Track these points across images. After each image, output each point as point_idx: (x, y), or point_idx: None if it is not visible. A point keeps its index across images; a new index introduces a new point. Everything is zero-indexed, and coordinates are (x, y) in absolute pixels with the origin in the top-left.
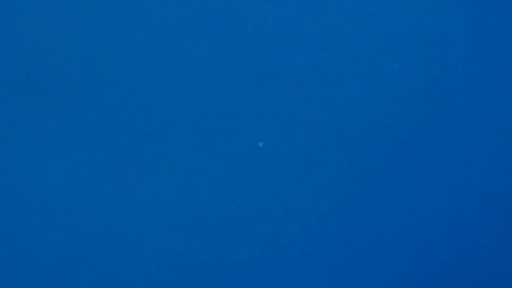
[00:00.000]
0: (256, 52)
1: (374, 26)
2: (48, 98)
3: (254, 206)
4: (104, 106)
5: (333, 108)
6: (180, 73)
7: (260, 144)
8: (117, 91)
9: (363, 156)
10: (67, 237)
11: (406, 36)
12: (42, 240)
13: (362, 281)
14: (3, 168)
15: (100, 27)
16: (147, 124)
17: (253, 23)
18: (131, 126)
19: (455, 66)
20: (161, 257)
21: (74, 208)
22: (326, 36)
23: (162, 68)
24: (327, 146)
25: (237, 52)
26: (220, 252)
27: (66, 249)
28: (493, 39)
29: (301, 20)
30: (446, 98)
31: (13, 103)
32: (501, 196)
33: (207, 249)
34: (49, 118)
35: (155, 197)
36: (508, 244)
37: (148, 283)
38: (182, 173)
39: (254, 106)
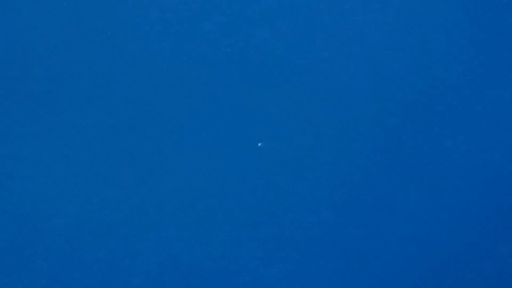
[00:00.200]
0: (256, 51)
1: (374, 26)
2: (46, 98)
3: (254, 205)
4: (104, 106)
5: (333, 108)
6: (179, 72)
7: (259, 144)
8: (117, 90)
9: (363, 156)
10: (62, 241)
11: (406, 36)
12: (36, 244)
13: (363, 282)
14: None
15: (99, 26)
16: (145, 123)
17: (253, 22)
18: (129, 125)
19: (455, 66)
20: (159, 257)
21: (73, 208)
22: (326, 35)
23: (161, 67)
24: (327, 146)
25: (237, 52)
26: (220, 252)
27: (64, 250)
28: (493, 39)
29: (300, 19)
30: (447, 98)
31: (9, 103)
32: (501, 196)
33: (207, 249)
34: (47, 118)
35: (153, 197)
36: (508, 244)
37: (148, 283)
38: (180, 173)
39: (254, 105)
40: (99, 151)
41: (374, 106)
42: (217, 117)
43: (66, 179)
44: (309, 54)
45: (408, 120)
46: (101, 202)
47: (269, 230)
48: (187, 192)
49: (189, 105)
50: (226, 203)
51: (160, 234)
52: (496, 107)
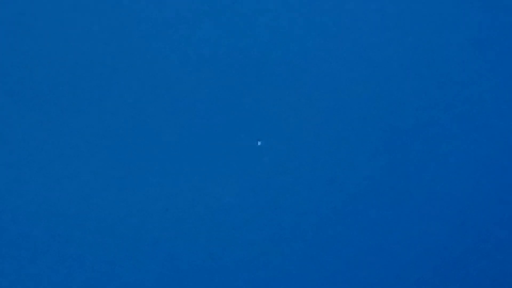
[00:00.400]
0: (255, 50)
1: (374, 26)
2: (46, 98)
3: (253, 205)
4: (104, 106)
5: (332, 107)
6: (179, 72)
7: (259, 143)
8: (116, 89)
9: (363, 155)
10: (62, 241)
11: (405, 35)
12: (36, 244)
13: (363, 282)
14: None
15: (99, 26)
16: (145, 122)
17: (253, 22)
18: (128, 123)
19: (455, 66)
20: (158, 257)
21: (73, 208)
22: (325, 34)
23: (160, 66)
24: (326, 145)
25: (236, 51)
26: (219, 251)
27: (62, 251)
28: (493, 39)
29: (299, 19)
30: (446, 98)
31: (8, 104)
32: (502, 197)
33: (206, 249)
34: (47, 118)
35: (151, 196)
36: (508, 244)
37: (147, 283)
38: (179, 172)
39: (253, 104)
40: (98, 151)
41: (373, 106)
42: (217, 116)
43: (66, 179)
44: (309, 53)
45: (407, 120)
46: (101, 202)
47: (268, 230)
48: (186, 190)
49: (188, 104)
50: (225, 201)
51: (159, 234)
52: (496, 108)
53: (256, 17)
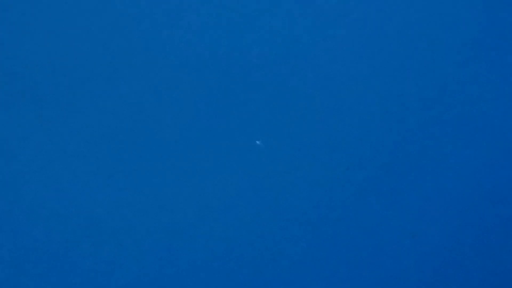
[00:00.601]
0: (255, 50)
1: (374, 26)
2: (46, 98)
3: (252, 204)
4: (103, 105)
5: (332, 107)
6: (178, 71)
7: (258, 142)
8: (116, 89)
9: (362, 155)
10: (62, 240)
11: (405, 35)
12: (36, 244)
13: (363, 282)
14: None
15: (99, 26)
16: (144, 122)
17: (252, 21)
18: (128, 123)
19: (455, 66)
20: (158, 257)
21: (73, 208)
22: (325, 34)
23: (160, 66)
24: (326, 145)
25: (236, 50)
26: (219, 251)
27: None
28: (493, 39)
29: (299, 19)
30: (447, 98)
31: (8, 104)
32: (502, 197)
33: (206, 249)
34: (47, 118)
35: (151, 196)
36: (508, 244)
37: (147, 283)
38: (178, 172)
39: (252, 104)
40: (98, 150)
41: (373, 106)
42: (216, 116)
43: (66, 180)
44: (308, 53)
45: (407, 120)
46: (100, 202)
47: (268, 229)
48: (185, 190)
49: (188, 103)
50: (224, 201)
51: (159, 234)
52: (496, 108)
53: (256, 16)
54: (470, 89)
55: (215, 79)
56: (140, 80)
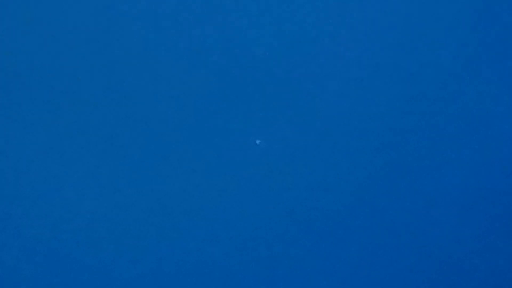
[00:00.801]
0: (255, 50)
1: (374, 26)
2: (46, 98)
3: (252, 204)
4: (102, 105)
5: (331, 106)
6: (178, 71)
7: (257, 142)
8: (115, 89)
9: (362, 154)
10: (62, 240)
11: (405, 35)
12: (37, 244)
13: (363, 282)
14: None
15: (98, 26)
16: (144, 122)
17: (251, 21)
18: (128, 123)
19: (455, 66)
20: (157, 256)
21: (73, 208)
22: (325, 34)
23: (160, 66)
24: (325, 144)
25: (235, 50)
26: (219, 251)
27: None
28: (493, 39)
29: (298, 18)
30: (447, 98)
31: (8, 104)
32: (502, 197)
33: (206, 248)
34: (48, 118)
35: (150, 196)
36: (507, 244)
37: (147, 283)
38: (178, 171)
39: (252, 103)
40: (97, 150)
41: (373, 106)
42: (216, 115)
43: (66, 180)
44: (308, 53)
45: (407, 119)
46: (100, 201)
47: (268, 229)
48: (185, 189)
49: (187, 103)
50: (224, 200)
51: (159, 233)
52: (496, 108)
53: (256, 16)
54: (470, 89)
55: (215, 79)
56: (140, 79)
